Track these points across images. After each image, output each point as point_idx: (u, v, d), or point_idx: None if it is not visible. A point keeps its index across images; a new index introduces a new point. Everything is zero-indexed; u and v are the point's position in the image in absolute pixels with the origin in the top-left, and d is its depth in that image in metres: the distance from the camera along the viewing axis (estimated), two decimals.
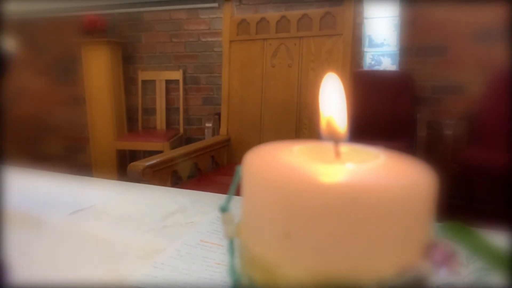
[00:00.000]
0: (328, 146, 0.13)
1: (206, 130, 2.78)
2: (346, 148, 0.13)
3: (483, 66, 2.52)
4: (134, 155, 3.24)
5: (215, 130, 2.61)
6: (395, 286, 0.09)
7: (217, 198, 0.64)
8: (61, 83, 3.56)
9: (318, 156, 0.12)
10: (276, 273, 0.10)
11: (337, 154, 0.13)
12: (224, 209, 0.12)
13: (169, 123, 3.31)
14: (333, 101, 0.12)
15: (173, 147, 2.87)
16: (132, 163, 1.28)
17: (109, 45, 3.13)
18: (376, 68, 2.89)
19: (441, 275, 0.10)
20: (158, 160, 1.35)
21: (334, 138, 0.12)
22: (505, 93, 2.37)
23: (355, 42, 1.63)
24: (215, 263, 0.44)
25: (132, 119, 3.38)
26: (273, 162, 0.11)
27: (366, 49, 2.88)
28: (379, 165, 0.12)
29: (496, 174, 2.35)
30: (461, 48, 2.59)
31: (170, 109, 3.31)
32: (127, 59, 3.35)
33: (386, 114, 2.72)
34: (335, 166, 0.12)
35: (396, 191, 0.11)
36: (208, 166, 1.67)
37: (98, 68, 3.15)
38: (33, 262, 0.43)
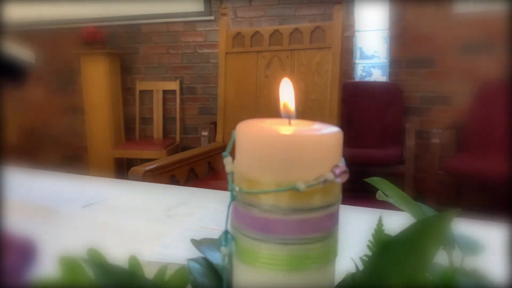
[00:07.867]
0: (284, 120, 0.22)
1: (202, 139, 2.84)
2: (295, 121, 0.22)
3: (469, 77, 2.60)
4: (131, 163, 3.28)
5: (211, 139, 2.67)
6: (314, 185, 0.18)
7: (215, 194, 0.71)
8: (60, 93, 3.61)
9: (279, 124, 0.22)
10: (255, 182, 0.20)
11: (290, 123, 0.22)
12: (226, 155, 0.21)
13: (166, 132, 3.36)
14: (287, 93, 0.22)
15: (169, 155, 2.92)
16: (133, 168, 1.35)
17: (107, 56, 3.19)
18: (367, 79, 2.96)
19: (337, 181, 0.19)
20: (158, 165, 1.43)
21: (288, 115, 0.21)
22: (492, 103, 2.45)
23: (343, 55, 1.71)
24: None
25: (130, 128, 3.44)
26: (254, 126, 0.21)
27: (357, 61, 2.95)
28: (312, 128, 0.22)
29: (482, 181, 2.42)
30: (448, 60, 2.67)
31: (167, 118, 3.36)
32: (125, 70, 3.41)
33: (376, 123, 2.78)
34: (288, 127, 0.22)
35: (318, 137, 0.20)
36: (205, 171, 1.75)
37: (96, 79, 3.20)
38: (54, 247, 0.49)
